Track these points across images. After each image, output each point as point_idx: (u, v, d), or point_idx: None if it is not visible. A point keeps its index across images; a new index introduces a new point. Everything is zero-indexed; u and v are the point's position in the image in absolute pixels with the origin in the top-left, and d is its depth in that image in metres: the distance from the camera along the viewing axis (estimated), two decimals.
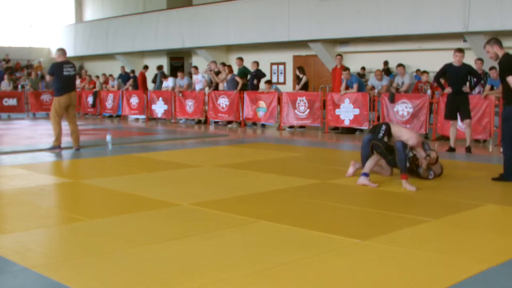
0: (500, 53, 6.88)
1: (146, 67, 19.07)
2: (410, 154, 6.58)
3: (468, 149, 9.42)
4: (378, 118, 12.48)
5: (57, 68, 9.64)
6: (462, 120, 9.58)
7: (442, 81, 10.34)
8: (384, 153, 6.44)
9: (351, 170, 6.94)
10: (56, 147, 9.69)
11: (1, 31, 30.17)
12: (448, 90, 9.57)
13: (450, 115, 9.61)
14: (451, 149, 9.44)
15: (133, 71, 19.73)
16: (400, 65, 13.24)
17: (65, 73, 9.60)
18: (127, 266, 3.63)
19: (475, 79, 9.90)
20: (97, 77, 20.25)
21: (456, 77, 9.40)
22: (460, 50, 9.42)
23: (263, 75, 15.18)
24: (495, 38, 7.27)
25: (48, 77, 9.96)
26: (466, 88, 9.45)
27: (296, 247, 4.02)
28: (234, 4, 21.06)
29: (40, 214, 5.14)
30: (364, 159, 6.62)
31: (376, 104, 12.62)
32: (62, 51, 9.91)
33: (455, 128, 9.61)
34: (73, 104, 9.85)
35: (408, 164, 6.45)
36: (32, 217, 5.01)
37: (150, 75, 19.40)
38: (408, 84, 12.45)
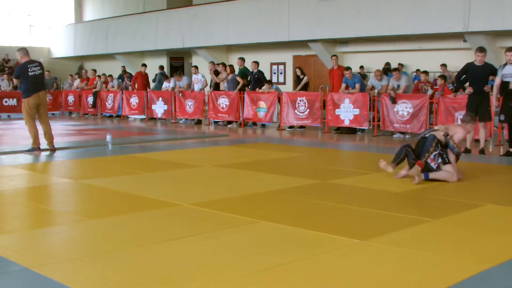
0: None
1: (144, 65, 19.08)
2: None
3: (482, 151, 9.14)
4: (378, 118, 12.48)
5: (22, 69, 9.27)
6: (480, 121, 9.21)
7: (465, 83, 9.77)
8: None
9: (403, 172, 6.72)
10: (36, 149, 9.41)
11: (1, 31, 30.16)
12: (469, 90, 9.28)
13: None
14: (467, 151, 9.05)
15: (126, 73, 19.78)
16: (396, 69, 13.20)
17: (30, 73, 9.23)
18: (127, 266, 3.63)
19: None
20: (99, 76, 20.21)
21: (477, 77, 9.16)
22: (482, 50, 9.16)
23: (264, 78, 15.13)
24: None
25: (15, 81, 9.57)
26: (487, 88, 9.18)
27: (296, 247, 4.02)
28: (234, 4, 21.05)
29: (40, 214, 5.14)
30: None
31: (376, 104, 12.62)
32: (24, 51, 9.48)
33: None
34: (43, 104, 9.51)
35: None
36: (32, 217, 5.02)
37: (151, 74, 19.41)
38: (405, 87, 12.41)
